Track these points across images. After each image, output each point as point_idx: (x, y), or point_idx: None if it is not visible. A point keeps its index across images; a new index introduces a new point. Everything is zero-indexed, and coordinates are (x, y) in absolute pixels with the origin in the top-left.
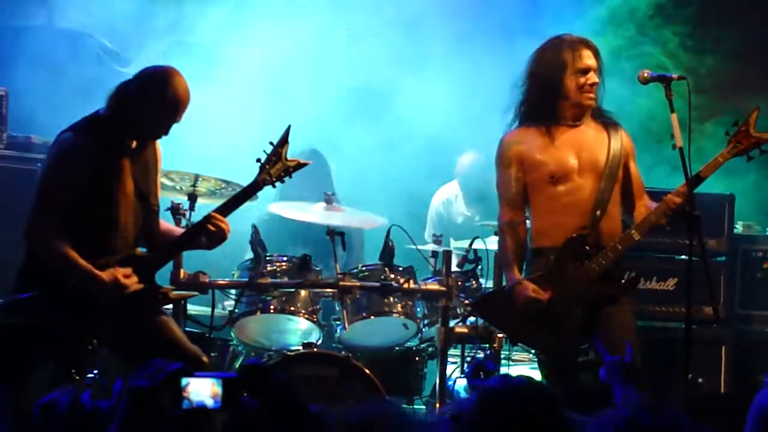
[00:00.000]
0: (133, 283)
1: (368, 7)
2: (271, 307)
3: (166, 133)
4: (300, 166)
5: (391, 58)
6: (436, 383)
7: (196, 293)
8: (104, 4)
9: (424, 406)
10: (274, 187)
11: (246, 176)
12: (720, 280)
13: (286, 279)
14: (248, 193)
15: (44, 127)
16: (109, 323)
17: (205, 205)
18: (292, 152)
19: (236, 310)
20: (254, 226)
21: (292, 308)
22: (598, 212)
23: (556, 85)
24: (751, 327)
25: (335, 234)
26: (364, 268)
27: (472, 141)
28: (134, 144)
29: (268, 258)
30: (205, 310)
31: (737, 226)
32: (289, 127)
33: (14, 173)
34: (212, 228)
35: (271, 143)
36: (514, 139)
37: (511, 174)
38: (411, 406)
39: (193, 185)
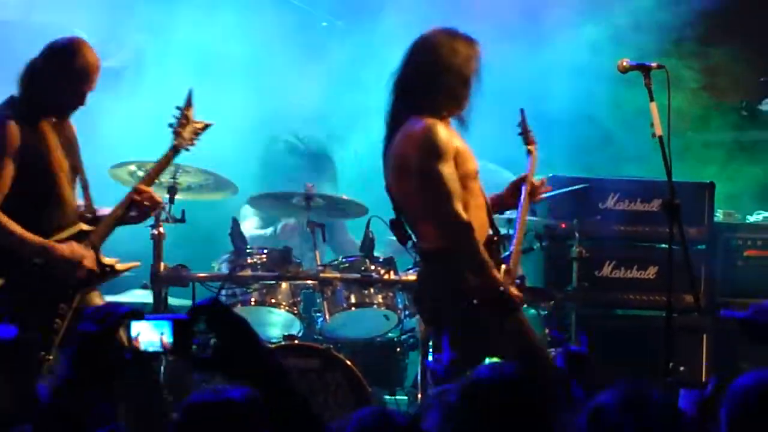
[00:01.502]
0: (90, 255)
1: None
2: (252, 299)
3: (82, 102)
4: (207, 126)
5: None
6: (417, 374)
7: (138, 263)
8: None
9: (405, 397)
10: (188, 150)
11: (228, 167)
12: (700, 268)
13: (266, 271)
14: (168, 159)
15: None
16: (70, 301)
17: (186, 202)
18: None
19: None
20: (234, 219)
21: (273, 300)
22: (491, 211)
23: (469, 80)
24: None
25: (316, 226)
26: (344, 260)
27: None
28: (53, 120)
29: (248, 250)
30: (186, 303)
31: (717, 214)
32: (191, 89)
33: None
34: (139, 198)
35: (177, 107)
36: (445, 130)
37: (453, 168)
38: (393, 397)
39: (173, 178)
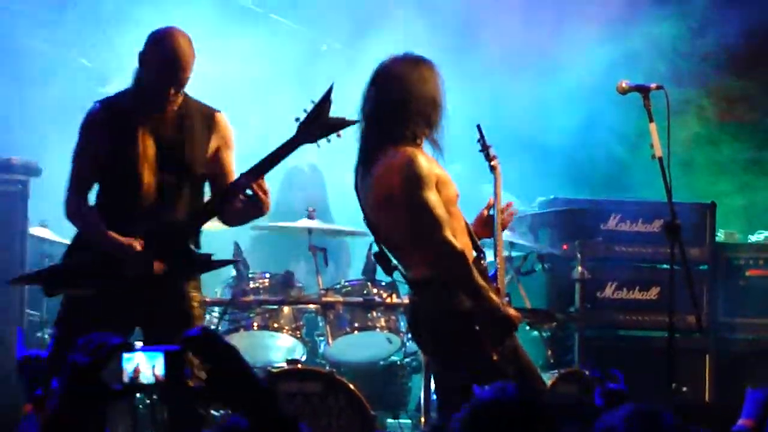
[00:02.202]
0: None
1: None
2: (255, 324)
3: (177, 88)
4: (347, 123)
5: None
6: (420, 397)
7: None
8: (82, 22)
9: (409, 420)
10: (318, 144)
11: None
12: (703, 288)
13: (268, 296)
14: (284, 151)
15: (24, 148)
16: (136, 293)
17: None
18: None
19: (220, 328)
20: (236, 243)
21: (276, 325)
22: (473, 234)
23: (440, 104)
24: (735, 335)
25: (317, 250)
26: (347, 284)
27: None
28: (159, 114)
29: (250, 275)
30: None
31: (719, 234)
32: (332, 85)
33: None
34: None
35: (312, 101)
36: (425, 158)
37: (438, 195)
38: (396, 420)
39: None
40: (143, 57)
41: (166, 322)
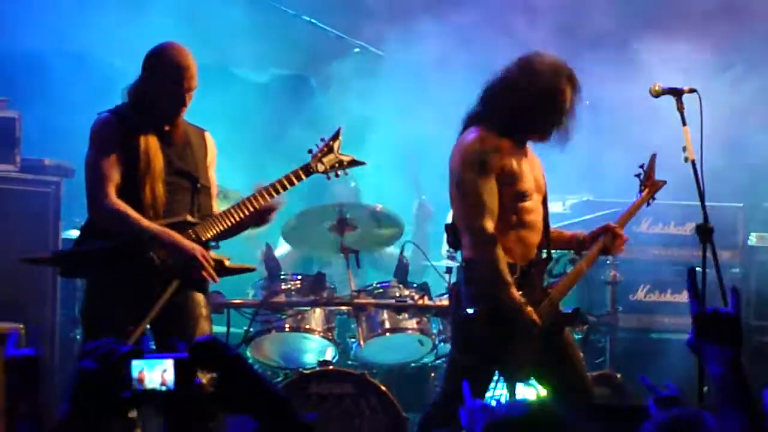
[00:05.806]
0: (210, 265)
1: None
2: (286, 325)
3: (184, 102)
4: (355, 162)
5: None
6: None
7: (253, 267)
8: (113, 25)
9: None
10: (328, 178)
11: None
12: None
13: (300, 297)
14: (296, 177)
15: (56, 150)
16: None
17: None
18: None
19: (251, 330)
20: (267, 245)
21: (307, 326)
22: (549, 235)
23: (535, 105)
24: (766, 338)
25: (349, 251)
26: (378, 285)
27: None
28: (167, 127)
29: (282, 276)
30: (221, 329)
31: (751, 237)
32: (340, 126)
33: (28, 196)
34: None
35: (321, 138)
36: (494, 145)
37: (494, 183)
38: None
39: None
40: (149, 67)
41: (174, 317)
